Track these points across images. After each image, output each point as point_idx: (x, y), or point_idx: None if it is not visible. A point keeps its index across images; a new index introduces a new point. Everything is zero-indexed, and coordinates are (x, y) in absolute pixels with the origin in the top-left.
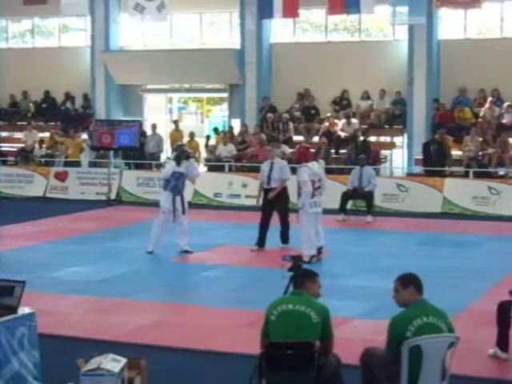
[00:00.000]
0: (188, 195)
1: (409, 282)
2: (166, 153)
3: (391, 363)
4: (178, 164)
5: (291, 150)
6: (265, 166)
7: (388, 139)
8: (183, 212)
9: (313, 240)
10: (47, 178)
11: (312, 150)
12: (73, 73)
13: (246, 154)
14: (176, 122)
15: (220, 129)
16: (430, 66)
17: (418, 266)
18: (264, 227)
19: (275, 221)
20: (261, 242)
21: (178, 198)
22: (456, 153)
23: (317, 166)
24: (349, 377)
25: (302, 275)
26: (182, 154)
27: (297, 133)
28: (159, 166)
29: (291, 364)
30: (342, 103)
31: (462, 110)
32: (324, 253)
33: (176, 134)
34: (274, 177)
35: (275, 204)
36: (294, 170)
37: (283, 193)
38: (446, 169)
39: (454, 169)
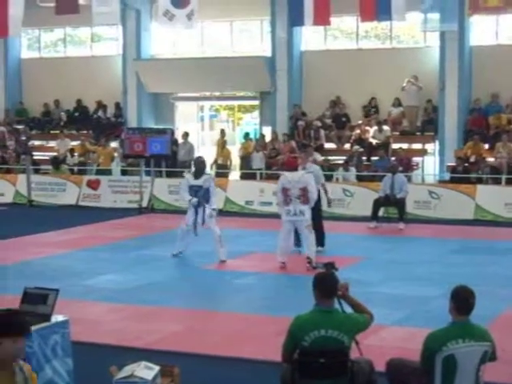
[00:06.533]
0: (219, 203)
1: (451, 297)
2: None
3: (426, 373)
4: (196, 177)
5: (322, 158)
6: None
7: (420, 146)
8: (202, 223)
9: (282, 248)
10: (80, 186)
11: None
12: (104, 81)
13: (276, 162)
14: (222, 132)
15: (251, 136)
16: (462, 72)
17: (451, 274)
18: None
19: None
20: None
21: (199, 211)
22: (489, 159)
23: (298, 175)
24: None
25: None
26: (199, 166)
27: (328, 140)
28: None
29: (324, 372)
30: (369, 110)
31: (498, 117)
32: (356, 260)
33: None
34: None
35: None
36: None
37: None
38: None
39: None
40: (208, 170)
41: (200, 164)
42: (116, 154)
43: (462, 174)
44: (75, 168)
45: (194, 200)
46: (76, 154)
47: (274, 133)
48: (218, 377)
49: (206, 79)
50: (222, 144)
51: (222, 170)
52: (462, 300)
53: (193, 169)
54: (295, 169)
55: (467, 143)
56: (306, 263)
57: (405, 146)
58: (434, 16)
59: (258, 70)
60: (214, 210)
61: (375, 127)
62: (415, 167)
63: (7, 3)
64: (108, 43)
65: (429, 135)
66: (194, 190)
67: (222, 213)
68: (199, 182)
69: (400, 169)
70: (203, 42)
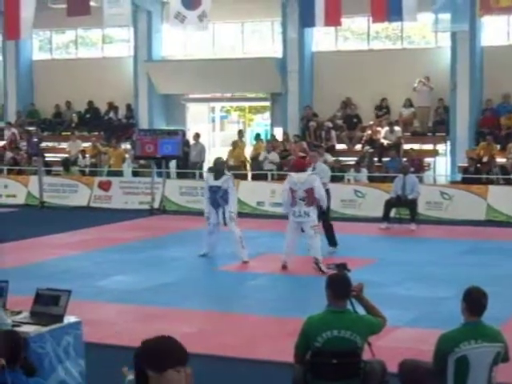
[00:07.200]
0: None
1: (464, 297)
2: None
3: (439, 373)
4: (216, 178)
5: (333, 159)
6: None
7: (431, 147)
8: (224, 224)
9: (287, 247)
10: (91, 187)
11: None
12: (116, 83)
13: (287, 162)
14: (240, 133)
15: (262, 137)
16: (473, 72)
17: (463, 275)
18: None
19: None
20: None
21: (219, 211)
22: (500, 160)
23: (304, 176)
24: None
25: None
26: (219, 167)
27: (339, 141)
28: (202, 175)
29: (336, 373)
30: (381, 111)
31: (510, 117)
32: (367, 261)
33: (239, 144)
34: None
35: None
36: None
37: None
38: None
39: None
40: None
41: (220, 165)
42: (127, 156)
43: (473, 175)
44: (87, 169)
45: (210, 220)
46: (87, 155)
47: (285, 134)
48: (231, 378)
49: (216, 80)
50: (235, 144)
51: (234, 171)
52: (475, 301)
53: (205, 168)
54: (302, 170)
55: (480, 144)
56: (313, 264)
57: (416, 146)
58: (446, 16)
59: (268, 71)
60: (231, 212)
61: (386, 128)
62: (427, 168)
63: (19, 6)
64: (119, 45)
65: (440, 136)
66: (213, 191)
67: None
68: (218, 182)
69: (411, 169)
70: (214, 43)
